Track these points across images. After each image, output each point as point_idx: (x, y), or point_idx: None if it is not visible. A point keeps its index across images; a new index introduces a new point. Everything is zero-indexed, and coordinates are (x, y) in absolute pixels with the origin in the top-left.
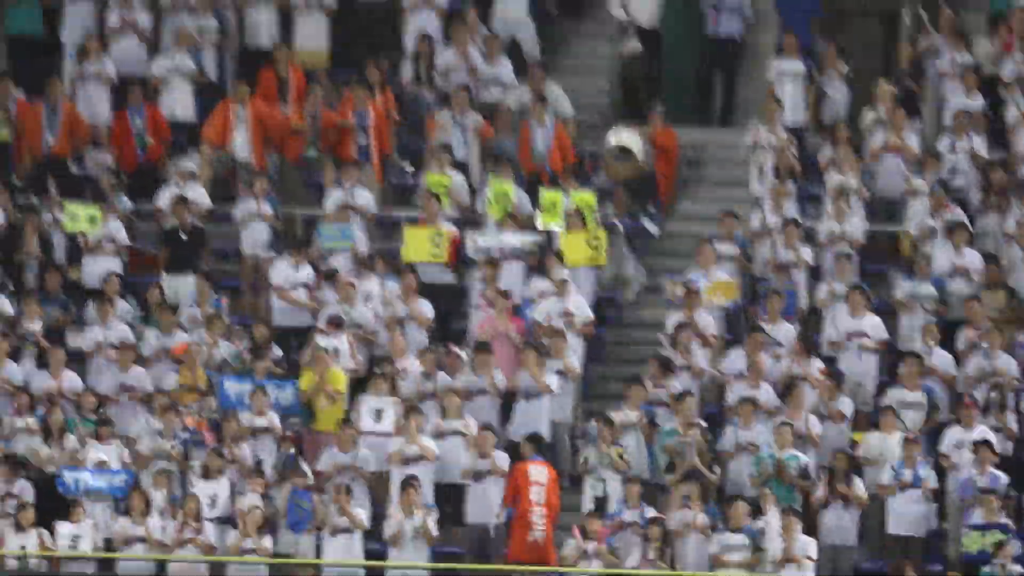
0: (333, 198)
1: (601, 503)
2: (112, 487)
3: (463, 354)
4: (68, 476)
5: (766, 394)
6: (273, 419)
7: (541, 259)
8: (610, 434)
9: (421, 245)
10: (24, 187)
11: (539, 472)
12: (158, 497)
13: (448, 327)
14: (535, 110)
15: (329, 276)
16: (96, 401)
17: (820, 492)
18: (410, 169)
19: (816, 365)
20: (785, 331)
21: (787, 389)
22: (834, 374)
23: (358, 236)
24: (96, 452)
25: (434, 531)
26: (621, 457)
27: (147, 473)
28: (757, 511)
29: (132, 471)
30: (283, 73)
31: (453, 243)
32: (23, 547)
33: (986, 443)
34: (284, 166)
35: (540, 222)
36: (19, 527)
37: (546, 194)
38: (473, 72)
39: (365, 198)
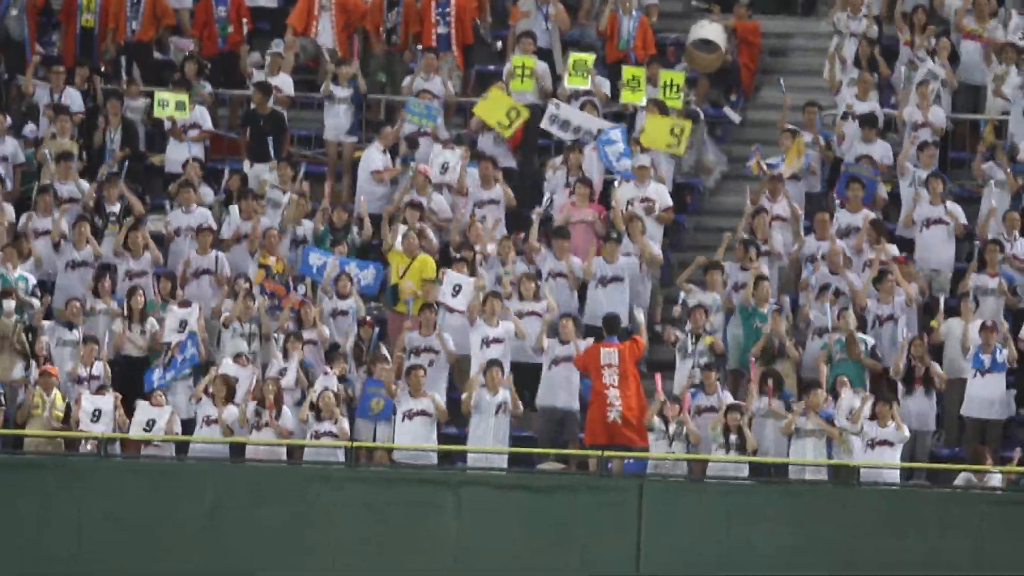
0: (407, 83)
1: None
2: (183, 369)
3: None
4: (150, 377)
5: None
6: (359, 303)
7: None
8: (702, 320)
9: (497, 109)
10: (108, 72)
11: (610, 354)
12: (242, 384)
13: (520, 212)
14: None
15: (412, 144)
16: (173, 285)
17: (899, 366)
18: (498, 46)
19: (892, 251)
20: (864, 218)
21: (879, 276)
22: (910, 260)
23: (439, 121)
24: (173, 319)
25: (519, 406)
26: (713, 347)
27: (228, 358)
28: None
29: (197, 348)
30: None
31: (518, 130)
32: (98, 412)
33: None
34: (367, 52)
35: (622, 97)
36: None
37: (628, 70)
38: None
39: (438, 87)
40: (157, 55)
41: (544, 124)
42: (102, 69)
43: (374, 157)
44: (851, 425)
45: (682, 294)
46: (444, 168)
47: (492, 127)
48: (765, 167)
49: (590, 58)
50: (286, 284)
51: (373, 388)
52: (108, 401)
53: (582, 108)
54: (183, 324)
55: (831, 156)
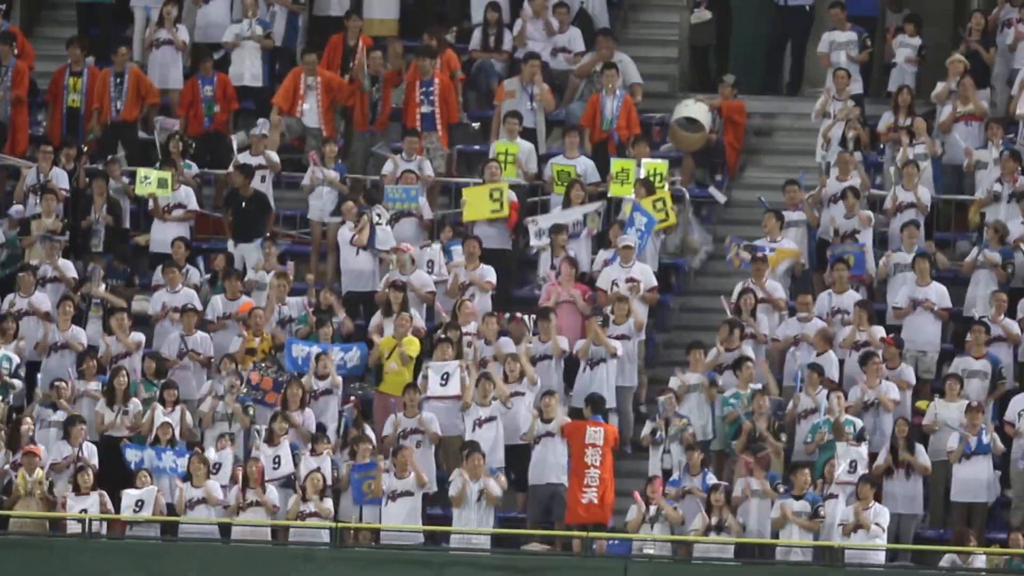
0: (387, 166)
1: (667, 474)
2: (172, 469)
3: (527, 320)
4: (131, 454)
5: (830, 362)
6: (337, 380)
7: (604, 229)
8: (675, 404)
9: (480, 203)
10: (94, 152)
11: (595, 434)
12: (221, 460)
13: (508, 293)
14: (606, 78)
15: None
16: (158, 365)
17: (881, 460)
18: (475, 125)
19: (879, 333)
20: (850, 299)
21: (863, 358)
22: (898, 342)
23: (422, 201)
24: (160, 417)
25: (497, 492)
26: (685, 429)
27: (210, 433)
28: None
29: (193, 450)
30: (352, 42)
31: (513, 207)
32: (84, 511)
33: None
34: (351, 134)
35: (611, 191)
36: (78, 490)
37: (617, 163)
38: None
39: (425, 167)
40: (142, 134)
41: (532, 242)
42: (85, 149)
43: (345, 233)
44: (851, 477)
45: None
46: (429, 264)
47: (490, 219)
48: (746, 256)
49: (571, 169)
50: (274, 380)
51: (360, 473)
52: (94, 501)
53: (568, 190)
54: (165, 427)
55: (816, 220)
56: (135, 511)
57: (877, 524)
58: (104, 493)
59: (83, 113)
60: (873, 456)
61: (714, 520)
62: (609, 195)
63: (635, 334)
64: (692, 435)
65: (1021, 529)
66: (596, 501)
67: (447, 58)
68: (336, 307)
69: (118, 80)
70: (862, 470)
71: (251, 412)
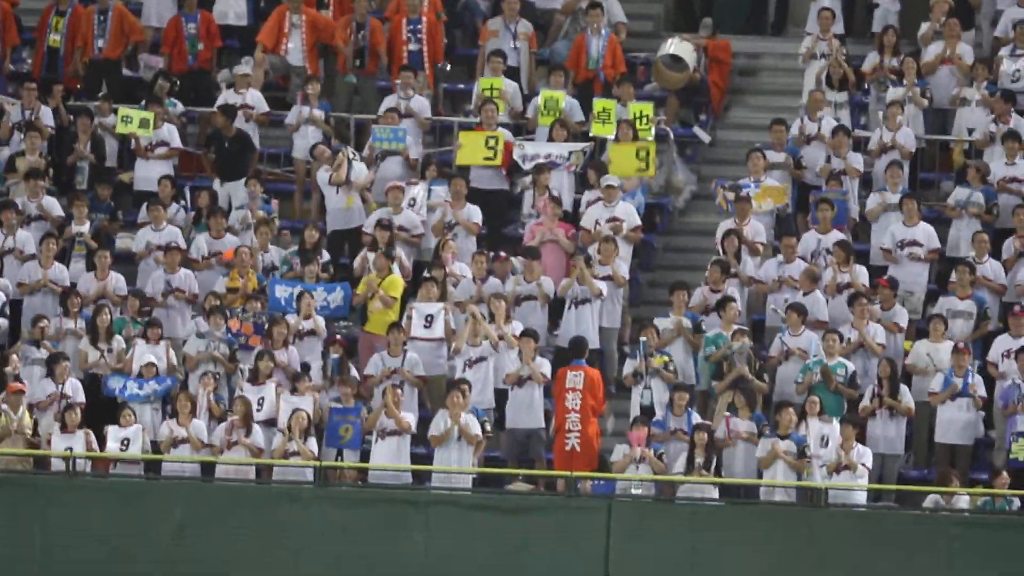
0: (386, 102)
1: (648, 411)
2: (155, 393)
3: (513, 260)
4: (113, 382)
5: (816, 301)
6: (319, 322)
7: (587, 167)
8: (656, 343)
9: (476, 149)
10: (76, 90)
11: (575, 378)
12: (204, 399)
13: (500, 233)
14: (591, 17)
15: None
16: (142, 303)
17: (867, 401)
18: (447, 66)
19: (862, 273)
20: (834, 239)
21: (851, 299)
22: (891, 284)
23: (409, 140)
24: (143, 354)
25: (475, 431)
26: (667, 367)
27: (194, 375)
28: (804, 417)
29: (176, 377)
30: None
31: (506, 148)
32: (69, 448)
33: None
34: (335, 73)
35: (592, 130)
36: (64, 428)
37: (599, 103)
38: None
39: (419, 103)
40: (127, 72)
41: (517, 161)
42: (77, 86)
43: (322, 175)
44: (823, 452)
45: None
46: (412, 203)
47: (482, 165)
48: (731, 197)
49: (560, 96)
50: (255, 324)
51: (339, 416)
52: (80, 439)
53: (551, 130)
54: (150, 365)
55: (800, 175)
56: (122, 449)
57: (862, 464)
58: (90, 432)
59: (63, 52)
60: (859, 396)
61: (699, 460)
62: (591, 135)
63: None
64: (673, 372)
65: (1004, 469)
66: (578, 448)
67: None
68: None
69: (101, 18)
70: (833, 446)
71: (237, 357)
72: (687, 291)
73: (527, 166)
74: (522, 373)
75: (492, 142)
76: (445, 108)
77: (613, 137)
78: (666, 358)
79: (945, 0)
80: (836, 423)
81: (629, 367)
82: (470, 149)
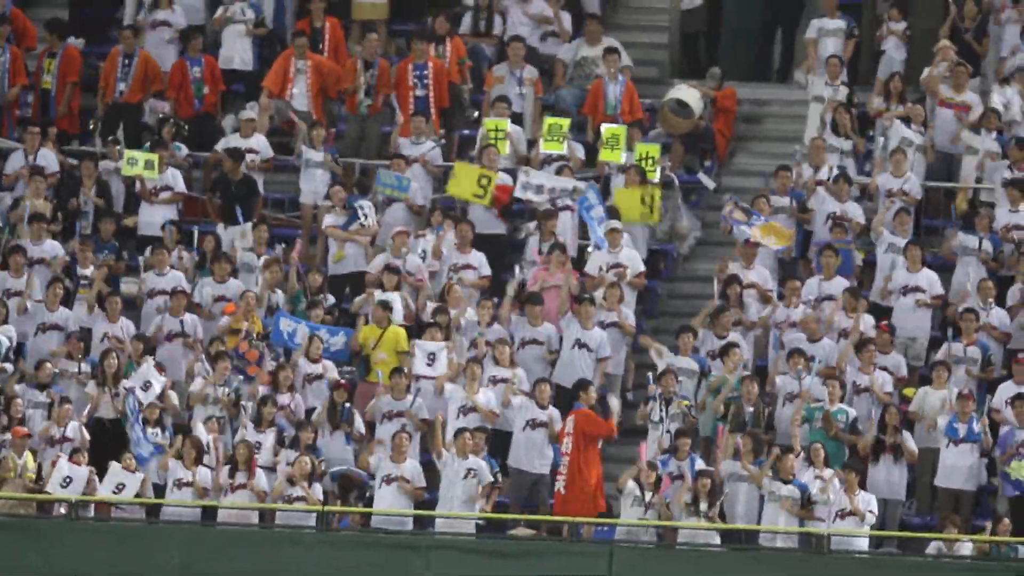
0: (401, 147)
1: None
2: (156, 449)
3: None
4: (136, 441)
5: (821, 346)
6: (327, 366)
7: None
8: (674, 384)
9: (468, 183)
10: (98, 133)
11: (569, 422)
12: (213, 445)
13: (499, 278)
14: (608, 63)
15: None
16: (146, 348)
17: (867, 439)
18: (476, 113)
19: (867, 320)
20: (837, 285)
21: (858, 345)
22: (890, 330)
23: (414, 188)
24: (147, 397)
25: (487, 478)
26: (690, 410)
27: (197, 419)
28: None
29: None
30: (317, 23)
31: (501, 191)
32: (68, 478)
33: (1021, 397)
34: (343, 116)
35: (601, 156)
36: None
37: (608, 129)
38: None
39: (429, 150)
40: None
41: (518, 192)
42: (92, 127)
43: (326, 219)
44: (821, 496)
45: (657, 360)
46: (423, 255)
47: (470, 201)
48: (740, 218)
49: (565, 122)
50: (260, 353)
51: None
52: (83, 473)
53: (558, 173)
54: (147, 384)
55: (806, 218)
56: (115, 492)
57: (870, 512)
58: (93, 469)
59: (54, 94)
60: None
61: (702, 506)
62: (599, 159)
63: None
64: (694, 416)
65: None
66: (563, 491)
67: (455, 44)
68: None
69: (126, 62)
70: (832, 492)
71: (242, 402)
72: (693, 334)
73: (527, 195)
74: (533, 416)
75: (484, 181)
76: (450, 154)
77: (621, 162)
78: (687, 402)
79: (949, 46)
80: (835, 473)
81: (649, 408)
82: (463, 182)
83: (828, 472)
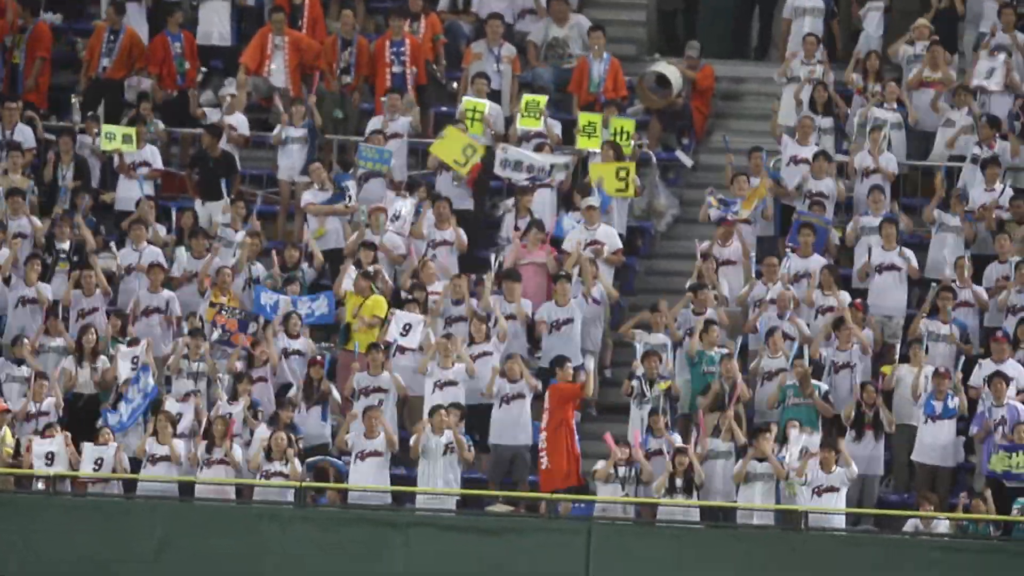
0: (371, 124)
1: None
2: (143, 406)
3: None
4: (112, 418)
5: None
6: (307, 343)
7: (572, 185)
8: (656, 366)
9: (454, 147)
10: (78, 108)
11: (548, 397)
12: (183, 411)
13: (473, 254)
14: (592, 40)
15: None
16: (124, 323)
17: (848, 417)
18: (455, 85)
19: (846, 299)
20: (816, 264)
21: (835, 323)
22: (865, 308)
23: (395, 163)
24: (124, 372)
25: (468, 452)
26: (670, 391)
27: (173, 394)
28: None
29: (156, 387)
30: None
31: (475, 168)
32: (50, 454)
33: (999, 375)
34: (321, 91)
35: (578, 143)
36: (43, 436)
37: (584, 116)
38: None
39: (403, 125)
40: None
41: (496, 169)
42: (74, 101)
43: (304, 195)
44: (801, 465)
45: (637, 344)
46: (396, 217)
47: (449, 166)
48: (718, 206)
49: (542, 99)
50: (239, 321)
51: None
52: (59, 442)
53: (536, 150)
54: (135, 360)
55: (784, 191)
56: (95, 468)
57: (845, 479)
58: (68, 434)
59: (22, 69)
60: (837, 417)
61: (678, 482)
62: (577, 147)
63: (605, 300)
64: (678, 389)
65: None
66: (548, 465)
67: (431, 21)
68: (311, 250)
69: (111, 38)
70: (811, 456)
71: (218, 375)
72: (664, 313)
73: (504, 172)
74: (507, 391)
75: (469, 151)
76: (433, 132)
77: (598, 151)
78: (669, 383)
79: (926, 25)
80: (816, 435)
81: (633, 384)
82: (449, 145)
83: (808, 439)
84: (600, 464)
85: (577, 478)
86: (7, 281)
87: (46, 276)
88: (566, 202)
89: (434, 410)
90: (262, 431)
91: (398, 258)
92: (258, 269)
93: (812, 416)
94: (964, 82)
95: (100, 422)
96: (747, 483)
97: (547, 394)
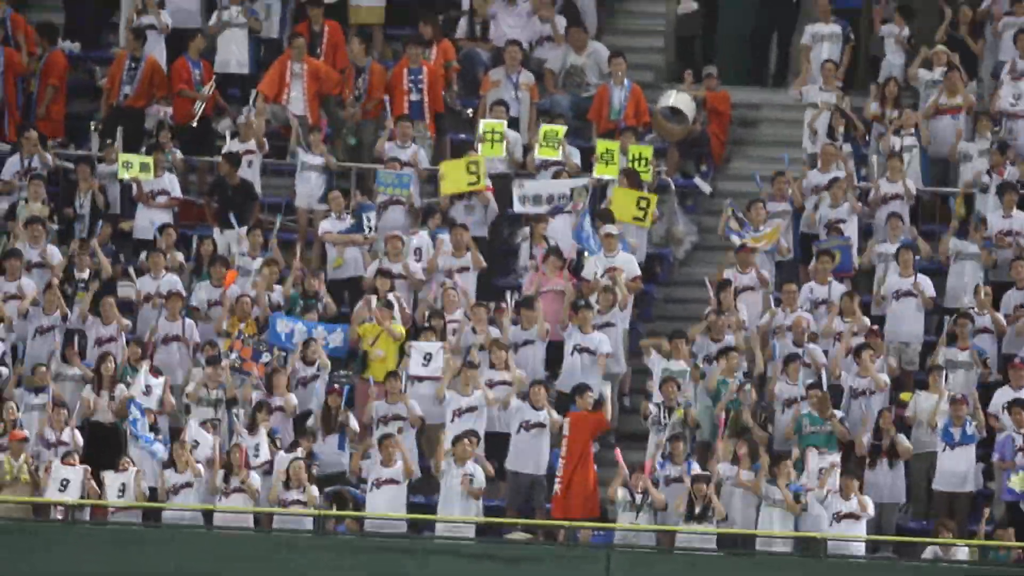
0: (385, 151)
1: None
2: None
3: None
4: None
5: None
6: (325, 363)
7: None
8: (676, 391)
9: (458, 177)
10: (97, 135)
11: (567, 424)
12: (199, 439)
13: (490, 282)
14: (614, 67)
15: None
16: (143, 351)
17: (865, 450)
18: (469, 112)
19: (863, 323)
20: (835, 290)
21: (857, 349)
22: (881, 335)
23: (413, 189)
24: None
25: (481, 481)
26: (686, 418)
27: (193, 420)
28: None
29: (167, 440)
30: (316, 27)
31: (488, 191)
32: (66, 480)
33: (1018, 402)
34: (337, 118)
35: (596, 171)
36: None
37: (602, 143)
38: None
39: (415, 154)
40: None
41: (516, 207)
42: (94, 128)
43: (322, 224)
44: (818, 490)
45: (652, 364)
46: (418, 254)
47: (467, 191)
48: (735, 227)
49: (561, 129)
50: (253, 350)
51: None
52: (78, 473)
53: (554, 177)
54: (148, 389)
55: (801, 203)
56: (119, 495)
57: (868, 511)
58: (88, 468)
59: (35, 97)
60: (852, 445)
61: (697, 510)
62: (594, 175)
63: (619, 317)
64: (695, 418)
65: (1002, 523)
66: (560, 494)
67: (443, 47)
68: (321, 291)
69: (132, 65)
70: (829, 477)
71: (234, 410)
72: (686, 340)
73: (525, 208)
74: (529, 418)
75: (473, 167)
76: (446, 157)
77: (615, 179)
78: (686, 409)
79: (944, 51)
80: (835, 455)
81: (651, 409)
82: (452, 178)
83: (825, 459)
84: (613, 486)
85: (596, 507)
86: (25, 314)
87: (66, 305)
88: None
89: (457, 439)
90: (282, 458)
91: (419, 283)
92: (277, 295)
93: (831, 443)
94: (985, 107)
95: (124, 456)
96: (766, 508)
97: (567, 422)
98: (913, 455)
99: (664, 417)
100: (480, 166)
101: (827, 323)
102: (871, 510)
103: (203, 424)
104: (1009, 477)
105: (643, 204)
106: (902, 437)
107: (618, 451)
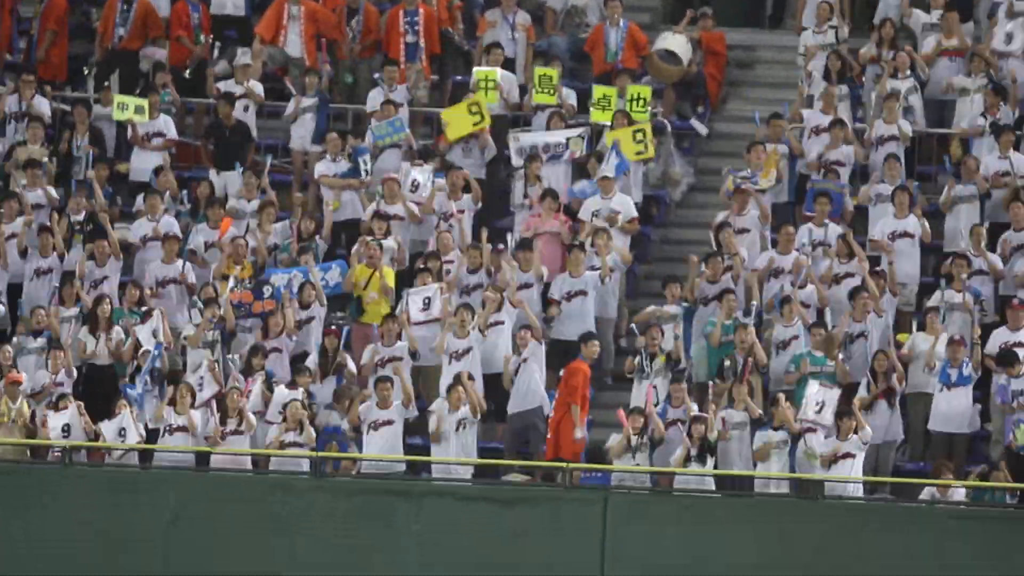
0: (371, 98)
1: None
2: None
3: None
4: (131, 392)
5: (808, 293)
6: (319, 312)
7: (588, 155)
8: (657, 338)
9: (461, 121)
10: (92, 78)
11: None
12: (205, 389)
13: (489, 224)
14: (610, 9)
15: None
16: (139, 293)
17: (863, 392)
18: (467, 45)
19: (861, 266)
20: (831, 232)
21: (851, 292)
22: (881, 275)
23: (408, 131)
24: (144, 332)
25: (481, 408)
26: (666, 364)
27: (192, 365)
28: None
29: (160, 344)
30: None
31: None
32: (66, 426)
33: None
34: (335, 62)
35: (592, 117)
36: (57, 409)
37: (599, 89)
38: None
39: (402, 96)
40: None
41: (513, 161)
42: (86, 72)
43: (318, 167)
44: (818, 417)
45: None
46: (415, 186)
47: (473, 133)
48: (738, 182)
49: (554, 72)
50: (252, 290)
51: (328, 435)
52: (72, 412)
53: (549, 120)
54: (155, 334)
55: (800, 148)
56: (120, 440)
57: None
58: (80, 404)
59: (36, 39)
60: (853, 387)
61: (694, 451)
62: (591, 121)
63: (619, 265)
64: (679, 356)
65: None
66: (550, 435)
67: None
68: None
69: (125, 7)
70: (829, 411)
71: (229, 355)
72: (680, 284)
73: (522, 160)
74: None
75: (475, 108)
76: (443, 100)
77: (610, 125)
78: (667, 354)
79: None
80: (836, 389)
81: (636, 360)
82: (456, 124)
83: (828, 393)
84: (613, 439)
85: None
86: (23, 253)
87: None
88: (581, 171)
89: (451, 388)
90: (281, 392)
91: (416, 216)
92: (274, 235)
93: (830, 379)
94: (979, 49)
95: (120, 398)
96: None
97: (562, 374)
98: (910, 396)
99: (646, 365)
100: (482, 106)
101: (827, 268)
102: (869, 431)
103: (199, 366)
104: (1013, 432)
105: (639, 136)
106: (898, 368)
107: (621, 412)
